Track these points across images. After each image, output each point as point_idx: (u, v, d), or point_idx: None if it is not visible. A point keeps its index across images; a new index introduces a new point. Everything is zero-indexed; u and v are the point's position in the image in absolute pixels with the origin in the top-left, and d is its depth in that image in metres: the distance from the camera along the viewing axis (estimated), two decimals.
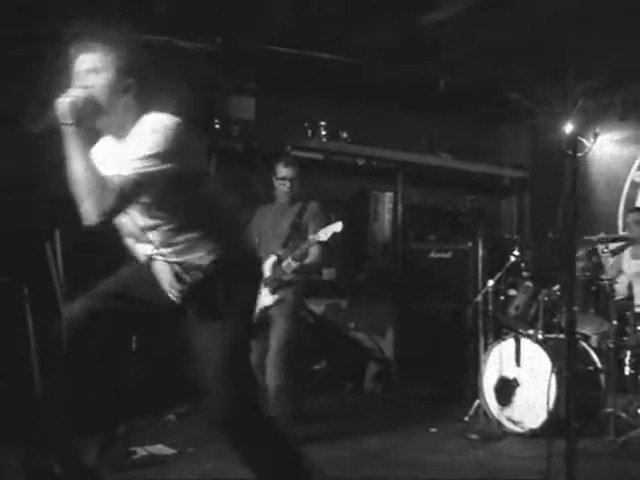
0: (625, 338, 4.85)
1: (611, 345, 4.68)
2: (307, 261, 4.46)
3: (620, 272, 5.35)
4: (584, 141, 6.71)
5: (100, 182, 2.23)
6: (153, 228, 2.49)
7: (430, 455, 4.18)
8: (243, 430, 2.51)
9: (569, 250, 2.37)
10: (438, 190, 7.08)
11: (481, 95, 6.43)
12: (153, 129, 2.32)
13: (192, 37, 4.38)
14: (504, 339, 4.90)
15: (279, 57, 4.85)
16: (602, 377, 4.75)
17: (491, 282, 5.10)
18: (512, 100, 6.49)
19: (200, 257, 2.51)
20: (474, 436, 4.53)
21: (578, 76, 5.52)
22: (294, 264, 4.38)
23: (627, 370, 4.87)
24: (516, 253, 5.22)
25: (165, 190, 2.37)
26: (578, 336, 4.87)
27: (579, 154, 6.91)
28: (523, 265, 5.24)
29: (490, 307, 5.08)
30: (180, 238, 2.50)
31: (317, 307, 6.23)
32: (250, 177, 5.82)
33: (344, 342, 6.40)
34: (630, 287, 4.83)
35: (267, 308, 4.37)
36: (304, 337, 5.05)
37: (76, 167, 2.23)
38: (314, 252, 4.46)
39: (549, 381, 4.49)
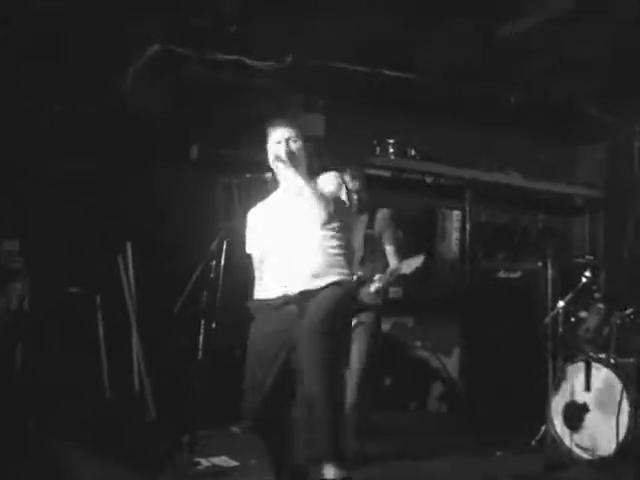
0: None
1: None
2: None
3: None
4: None
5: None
6: None
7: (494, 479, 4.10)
8: None
9: None
10: (507, 209, 6.97)
11: (555, 111, 6.31)
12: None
13: (262, 55, 4.47)
14: (574, 362, 4.76)
15: (348, 74, 4.88)
16: None
17: (561, 303, 4.98)
18: (588, 116, 6.35)
19: None
20: (542, 461, 4.41)
21: None
22: (374, 293, 4.45)
23: None
24: (587, 274, 5.08)
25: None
26: None
27: None
28: (595, 287, 5.10)
29: (560, 329, 4.95)
30: None
31: (384, 325, 6.19)
32: None
33: (409, 360, 6.34)
34: None
35: None
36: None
37: None
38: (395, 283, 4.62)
39: (620, 407, 4.37)
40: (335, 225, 3.20)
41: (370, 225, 4.60)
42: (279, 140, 3.26)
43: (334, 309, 3.06)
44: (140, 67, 4.40)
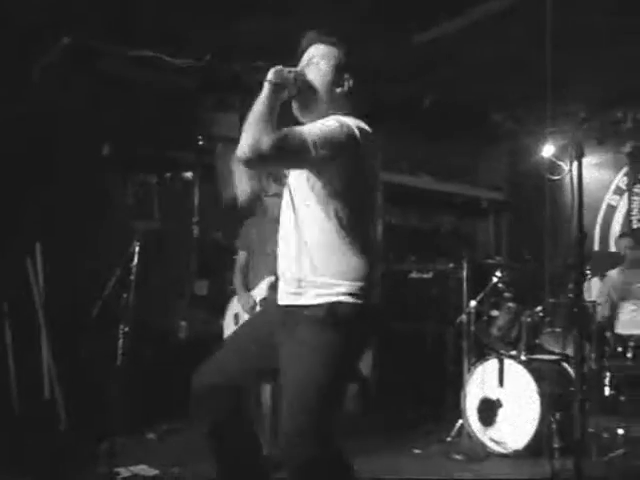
0: (605, 360, 4.92)
1: (593, 367, 4.73)
2: None
3: (608, 295, 5.40)
4: (562, 164, 6.90)
5: (266, 123, 2.15)
6: None
7: (415, 477, 4.16)
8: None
9: (578, 271, 2.37)
10: (418, 211, 7.12)
11: (464, 115, 6.50)
12: (337, 124, 2.24)
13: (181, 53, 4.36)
14: (486, 359, 4.91)
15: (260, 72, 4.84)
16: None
17: (473, 303, 5.13)
18: (493, 122, 6.58)
19: None
20: (458, 457, 4.52)
21: (558, 101, 5.64)
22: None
23: (607, 391, 4.92)
24: (498, 274, 5.26)
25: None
26: (560, 357, 4.91)
27: (557, 177, 7.06)
28: (504, 286, 5.28)
29: (472, 328, 5.10)
30: None
31: None
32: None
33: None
34: (613, 308, 4.90)
35: None
36: None
37: (254, 108, 2.19)
38: None
39: (531, 402, 4.54)
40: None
41: None
42: None
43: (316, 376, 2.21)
44: (51, 61, 4.19)
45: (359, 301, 2.24)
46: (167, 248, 5.45)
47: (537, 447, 4.45)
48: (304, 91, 2.35)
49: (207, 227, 5.62)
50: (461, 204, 7.34)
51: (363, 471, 4.18)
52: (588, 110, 6.35)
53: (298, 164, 2.28)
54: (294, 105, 2.40)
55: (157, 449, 4.52)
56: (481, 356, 5.07)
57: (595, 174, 6.90)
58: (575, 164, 2.68)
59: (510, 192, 7.54)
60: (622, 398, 4.84)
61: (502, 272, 5.28)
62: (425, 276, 6.57)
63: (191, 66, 4.05)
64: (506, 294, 5.21)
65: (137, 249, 4.04)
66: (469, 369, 5.00)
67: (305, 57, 2.44)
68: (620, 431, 4.57)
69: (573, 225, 2.30)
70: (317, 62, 2.40)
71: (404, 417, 5.70)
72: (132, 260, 4.04)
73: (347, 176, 2.26)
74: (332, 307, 2.21)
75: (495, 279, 5.23)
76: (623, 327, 5.23)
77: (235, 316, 4.53)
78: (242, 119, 2.41)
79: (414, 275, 6.60)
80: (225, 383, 2.37)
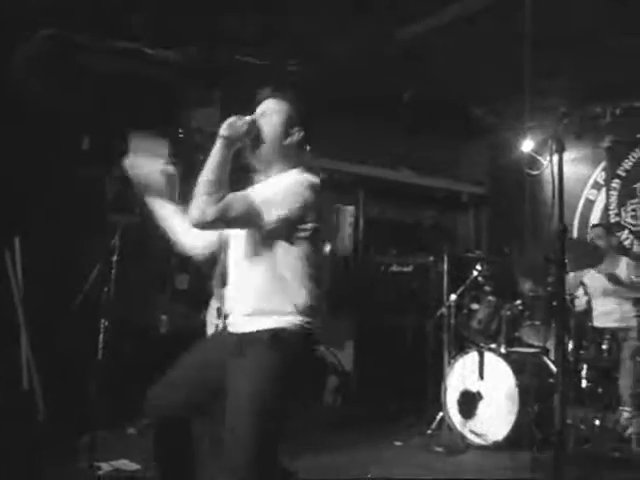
0: (582, 352, 4.98)
1: (570, 358, 4.79)
2: None
3: (581, 285, 5.46)
4: (541, 159, 6.96)
5: (215, 185, 2.33)
6: None
7: (395, 469, 4.19)
8: None
9: (558, 267, 2.40)
10: (399, 204, 7.15)
11: (444, 110, 6.53)
12: (290, 187, 2.41)
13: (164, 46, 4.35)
14: (467, 352, 4.96)
15: (252, 68, 4.84)
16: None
17: (454, 296, 5.17)
18: (474, 116, 6.62)
19: None
20: (439, 449, 4.57)
21: (538, 96, 5.69)
22: None
23: (584, 383, 4.99)
24: (478, 268, 5.31)
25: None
26: (539, 350, 4.96)
27: (536, 172, 7.12)
28: (484, 280, 5.32)
29: (453, 321, 5.14)
30: None
31: None
32: None
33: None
34: (589, 302, 4.96)
35: None
36: None
37: (205, 169, 2.36)
38: None
39: (510, 395, 4.59)
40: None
41: None
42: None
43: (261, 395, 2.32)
44: (31, 53, 4.16)
45: (302, 329, 2.39)
46: (148, 242, 5.42)
47: (516, 439, 4.51)
48: (255, 141, 2.51)
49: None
50: (442, 198, 7.37)
51: (344, 464, 4.24)
52: (567, 105, 6.39)
53: (247, 226, 2.44)
54: (246, 154, 2.55)
55: (138, 444, 4.49)
56: (461, 349, 5.12)
57: (574, 169, 6.95)
58: (555, 159, 2.70)
59: (490, 186, 7.58)
60: (599, 390, 4.91)
61: (482, 266, 5.32)
62: (406, 269, 6.60)
63: (173, 59, 4.02)
64: (486, 287, 5.26)
65: (117, 243, 4.03)
66: (449, 362, 5.04)
67: (259, 110, 2.60)
68: (596, 422, 4.64)
69: (554, 219, 2.32)
70: (269, 115, 2.56)
71: (385, 410, 5.73)
72: (112, 254, 4.03)
73: (306, 228, 2.42)
74: (276, 332, 2.36)
75: (475, 273, 5.27)
76: (599, 320, 5.30)
77: (218, 310, 4.52)
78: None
79: (395, 268, 6.62)
80: (176, 402, 2.50)
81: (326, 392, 6.25)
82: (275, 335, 2.35)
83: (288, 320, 2.38)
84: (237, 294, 2.52)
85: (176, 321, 5.65)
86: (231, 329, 2.50)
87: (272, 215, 2.35)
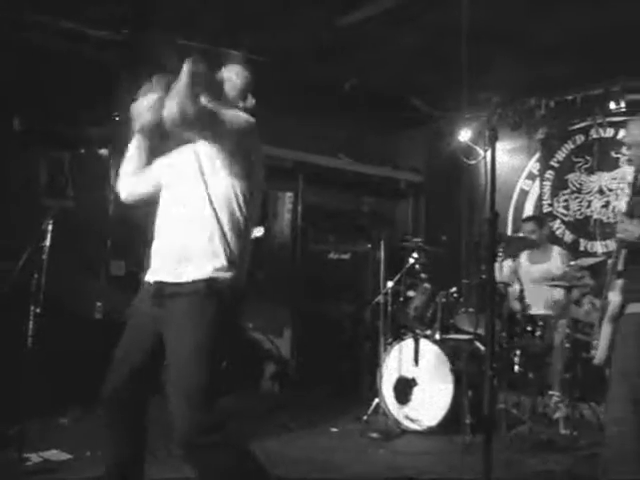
0: (515, 338, 5.10)
1: (503, 345, 4.89)
2: None
3: (516, 277, 5.57)
4: (478, 149, 7.07)
5: (190, 94, 2.49)
6: None
7: (331, 454, 4.22)
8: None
9: (488, 253, 2.44)
10: (338, 192, 7.16)
11: (384, 99, 6.56)
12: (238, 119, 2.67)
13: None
14: (403, 339, 5.01)
15: (191, 51, 4.75)
16: (495, 375, 4.96)
17: (390, 283, 5.21)
18: (413, 106, 6.67)
19: None
20: (374, 435, 4.61)
21: (475, 87, 5.77)
22: None
23: (517, 369, 5.11)
24: (415, 255, 5.36)
25: None
26: (473, 337, 5.06)
27: (473, 161, 7.24)
28: (421, 267, 5.38)
29: (389, 308, 5.18)
30: None
31: None
32: None
33: (242, 342, 6.35)
34: (522, 290, 5.07)
35: None
36: None
37: (180, 79, 2.51)
38: None
39: (445, 380, 4.67)
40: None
41: None
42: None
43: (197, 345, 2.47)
44: None
45: (229, 280, 2.55)
46: (82, 227, 5.30)
47: (450, 424, 4.59)
48: (215, 89, 2.79)
49: (124, 205, 5.49)
50: (380, 186, 7.42)
51: (280, 449, 4.25)
52: (503, 97, 6.50)
53: (210, 132, 2.60)
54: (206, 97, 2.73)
55: (69, 433, 4.41)
56: (397, 336, 5.17)
57: (509, 159, 7.11)
58: (489, 149, 2.74)
59: (428, 175, 7.66)
60: (530, 375, 5.04)
61: (419, 253, 5.38)
62: (343, 257, 6.63)
63: (111, 40, 3.95)
64: (422, 275, 5.32)
65: (49, 228, 3.92)
66: (386, 349, 5.09)
67: (225, 70, 2.89)
68: (527, 406, 4.77)
69: (486, 207, 2.37)
70: (233, 77, 2.88)
71: (322, 397, 5.76)
72: (44, 239, 3.91)
73: (229, 163, 2.60)
74: (208, 282, 2.51)
75: (412, 260, 5.32)
76: (531, 307, 5.43)
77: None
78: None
79: (333, 256, 6.65)
80: (123, 377, 2.63)
81: (264, 379, 6.25)
82: (205, 286, 2.50)
83: (216, 271, 2.52)
84: (165, 248, 2.64)
85: (112, 308, 5.55)
86: (158, 281, 2.62)
87: (227, 132, 2.57)
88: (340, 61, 5.84)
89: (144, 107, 2.73)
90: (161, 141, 2.82)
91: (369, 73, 6.06)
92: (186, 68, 2.55)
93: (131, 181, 2.86)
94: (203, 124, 2.58)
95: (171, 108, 2.50)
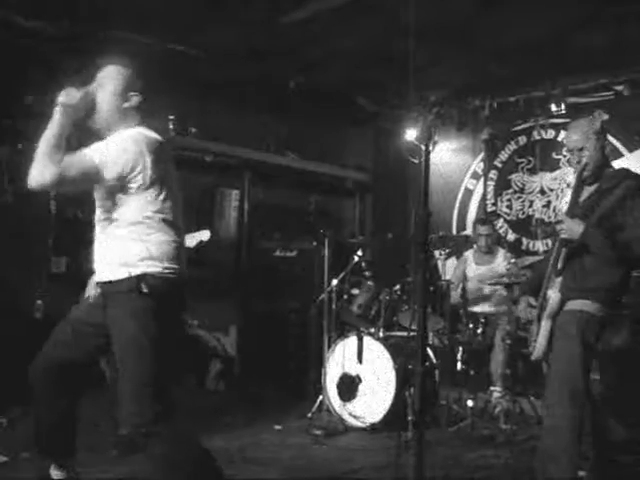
0: (458, 336, 5.18)
1: (445, 342, 4.97)
2: None
3: (464, 276, 5.66)
4: (423, 148, 7.14)
5: (54, 150, 2.52)
6: None
7: (275, 452, 4.22)
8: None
9: (423, 250, 2.48)
10: (285, 189, 7.15)
11: (329, 97, 6.57)
12: (117, 144, 2.63)
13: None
14: (347, 337, 5.04)
15: (132, 46, 4.69)
16: (437, 372, 5.03)
17: (335, 281, 5.23)
18: (359, 105, 6.71)
19: None
20: (318, 432, 4.63)
21: (421, 87, 5.84)
22: None
23: (459, 365, 5.19)
24: (359, 253, 5.39)
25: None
26: (416, 334, 5.10)
27: (418, 160, 7.30)
28: (365, 265, 5.42)
29: (334, 305, 5.20)
30: None
31: None
32: None
33: (186, 339, 6.29)
34: (464, 288, 5.15)
35: None
36: None
37: (44, 135, 2.56)
38: None
39: (388, 378, 4.71)
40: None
41: None
42: None
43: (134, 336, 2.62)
44: None
45: (162, 273, 2.67)
46: (21, 224, 5.18)
47: (393, 421, 4.63)
48: (94, 108, 2.75)
49: (65, 202, 5.40)
50: (327, 184, 7.43)
51: (225, 447, 4.23)
52: (448, 97, 6.59)
53: (88, 185, 2.71)
54: (89, 120, 2.77)
55: (7, 434, 4.31)
56: (342, 334, 5.19)
57: (454, 158, 7.21)
58: (425, 147, 2.79)
59: (374, 173, 7.71)
60: (471, 372, 5.13)
61: (363, 251, 5.41)
62: (289, 254, 6.63)
63: (45, 30, 3.89)
64: (366, 273, 5.35)
65: None
66: (330, 346, 5.11)
67: (97, 78, 2.81)
68: (469, 403, 4.85)
69: (420, 205, 2.44)
70: (106, 82, 2.79)
71: (267, 394, 5.75)
72: None
73: (144, 177, 2.65)
74: (139, 278, 2.62)
75: (356, 258, 5.35)
76: (474, 305, 5.53)
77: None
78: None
79: (278, 253, 6.64)
80: (60, 362, 2.83)
81: (209, 377, 6.21)
82: (139, 281, 2.62)
83: (148, 267, 2.65)
84: (100, 248, 2.77)
85: (52, 306, 5.44)
86: (99, 282, 2.78)
87: (110, 172, 2.58)
88: (286, 59, 5.83)
89: (72, 97, 2.68)
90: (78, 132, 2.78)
91: (315, 71, 6.07)
92: (57, 110, 2.60)
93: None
94: (73, 185, 2.65)
95: (30, 176, 2.54)
